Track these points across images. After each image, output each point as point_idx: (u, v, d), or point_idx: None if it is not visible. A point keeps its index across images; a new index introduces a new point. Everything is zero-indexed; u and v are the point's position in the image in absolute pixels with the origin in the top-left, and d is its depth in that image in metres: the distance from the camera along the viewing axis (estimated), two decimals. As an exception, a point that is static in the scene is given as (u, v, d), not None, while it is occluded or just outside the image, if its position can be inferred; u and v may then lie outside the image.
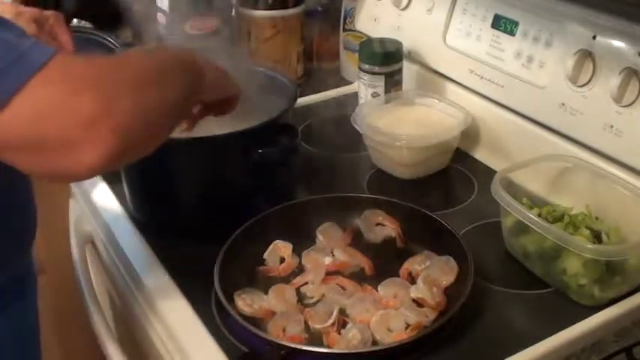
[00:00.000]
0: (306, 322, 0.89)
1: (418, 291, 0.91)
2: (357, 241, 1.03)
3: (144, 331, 0.99)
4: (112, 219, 1.13)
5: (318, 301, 0.93)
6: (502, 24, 1.19)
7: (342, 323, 0.88)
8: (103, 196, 1.17)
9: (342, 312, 0.90)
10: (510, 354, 0.84)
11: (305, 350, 0.83)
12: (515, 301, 0.95)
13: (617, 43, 1.00)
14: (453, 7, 1.28)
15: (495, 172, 1.02)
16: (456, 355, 0.86)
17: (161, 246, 1.05)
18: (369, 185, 1.20)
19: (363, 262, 0.99)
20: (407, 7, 1.37)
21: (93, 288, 1.16)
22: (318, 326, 0.88)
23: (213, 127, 1.05)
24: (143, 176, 1.09)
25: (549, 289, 0.95)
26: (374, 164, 1.24)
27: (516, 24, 1.16)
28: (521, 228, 0.96)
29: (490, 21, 1.21)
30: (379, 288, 0.94)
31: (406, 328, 0.87)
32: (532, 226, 0.92)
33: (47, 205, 1.37)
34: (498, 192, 0.97)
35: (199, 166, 1.04)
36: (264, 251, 1.00)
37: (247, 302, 0.91)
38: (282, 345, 0.83)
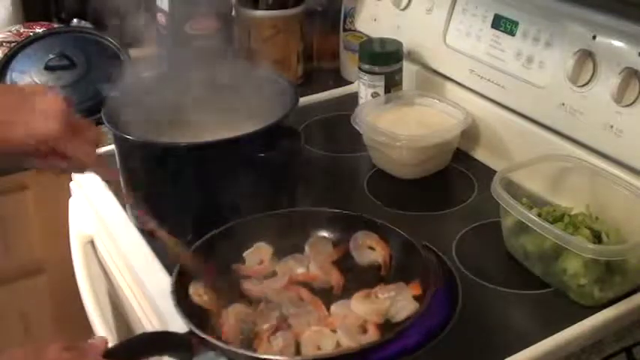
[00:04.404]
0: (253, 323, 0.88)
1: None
2: (345, 259, 0.99)
3: (144, 330, 0.99)
4: (112, 219, 1.13)
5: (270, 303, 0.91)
6: (502, 24, 1.19)
7: (275, 331, 0.86)
8: (103, 196, 1.17)
9: (285, 320, 0.88)
10: (510, 354, 0.84)
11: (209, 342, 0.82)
12: (515, 301, 0.94)
13: (617, 43, 1.00)
14: (453, 7, 1.28)
15: (495, 172, 1.02)
16: (456, 355, 0.86)
17: (161, 246, 1.04)
18: (368, 185, 1.20)
19: (334, 281, 0.95)
20: (407, 7, 1.37)
21: (93, 288, 1.16)
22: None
23: (214, 131, 1.05)
24: (146, 183, 1.08)
25: (549, 289, 0.95)
26: (374, 164, 1.24)
27: (516, 24, 1.16)
28: (521, 228, 0.96)
29: (490, 21, 1.21)
30: (332, 307, 0.90)
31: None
32: (532, 226, 0.92)
33: (47, 205, 1.37)
34: (498, 192, 0.97)
35: (201, 170, 1.03)
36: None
37: (199, 292, 0.90)
38: (197, 335, 0.83)
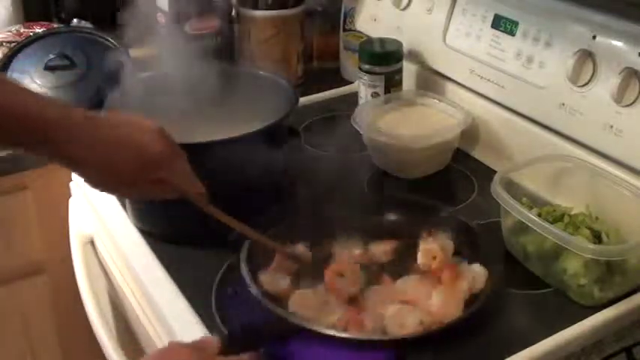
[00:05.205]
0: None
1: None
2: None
3: (143, 331, 0.99)
4: (112, 219, 1.13)
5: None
6: (502, 24, 1.19)
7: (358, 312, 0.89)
8: (103, 196, 1.17)
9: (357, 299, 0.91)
10: (510, 354, 0.84)
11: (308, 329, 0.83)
12: (515, 301, 0.94)
13: (617, 43, 1.00)
14: (453, 7, 1.28)
15: (495, 172, 1.02)
16: (456, 355, 0.85)
17: (161, 246, 1.05)
18: (369, 185, 1.20)
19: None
20: (407, 7, 1.37)
21: (93, 288, 1.16)
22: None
23: (213, 131, 1.05)
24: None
25: (549, 289, 0.95)
26: (374, 164, 1.24)
27: (516, 24, 1.16)
28: (521, 228, 0.96)
29: (490, 21, 1.21)
30: (398, 281, 0.94)
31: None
32: (532, 226, 0.92)
33: (47, 205, 1.37)
34: (498, 192, 0.97)
35: (200, 170, 1.03)
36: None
37: (269, 280, 0.92)
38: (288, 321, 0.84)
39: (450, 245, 0.97)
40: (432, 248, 0.96)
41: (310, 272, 0.95)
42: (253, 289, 0.89)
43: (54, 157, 0.87)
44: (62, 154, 0.85)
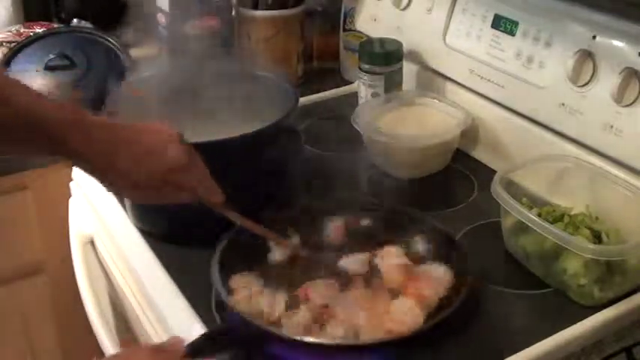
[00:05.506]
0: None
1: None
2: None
3: (143, 331, 0.99)
4: (112, 219, 1.13)
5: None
6: (502, 24, 1.19)
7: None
8: (103, 196, 1.17)
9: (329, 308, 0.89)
10: (510, 354, 0.84)
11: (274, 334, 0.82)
12: (515, 301, 0.95)
13: (617, 43, 1.00)
14: (453, 7, 1.28)
15: (495, 172, 1.02)
16: (455, 355, 0.85)
17: (161, 246, 1.05)
18: (369, 185, 1.20)
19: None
20: (407, 7, 1.37)
21: (93, 288, 1.16)
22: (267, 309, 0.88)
23: (213, 131, 1.05)
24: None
25: (549, 289, 0.95)
26: (374, 164, 1.24)
27: (516, 24, 1.16)
28: (521, 228, 0.96)
29: (490, 21, 1.21)
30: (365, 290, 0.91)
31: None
32: (532, 226, 0.92)
33: (47, 205, 1.37)
34: (498, 192, 0.97)
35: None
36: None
37: (244, 283, 0.92)
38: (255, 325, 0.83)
39: (413, 248, 0.96)
40: (387, 254, 0.95)
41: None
42: (222, 292, 0.88)
43: (73, 160, 0.89)
44: (80, 158, 0.87)
